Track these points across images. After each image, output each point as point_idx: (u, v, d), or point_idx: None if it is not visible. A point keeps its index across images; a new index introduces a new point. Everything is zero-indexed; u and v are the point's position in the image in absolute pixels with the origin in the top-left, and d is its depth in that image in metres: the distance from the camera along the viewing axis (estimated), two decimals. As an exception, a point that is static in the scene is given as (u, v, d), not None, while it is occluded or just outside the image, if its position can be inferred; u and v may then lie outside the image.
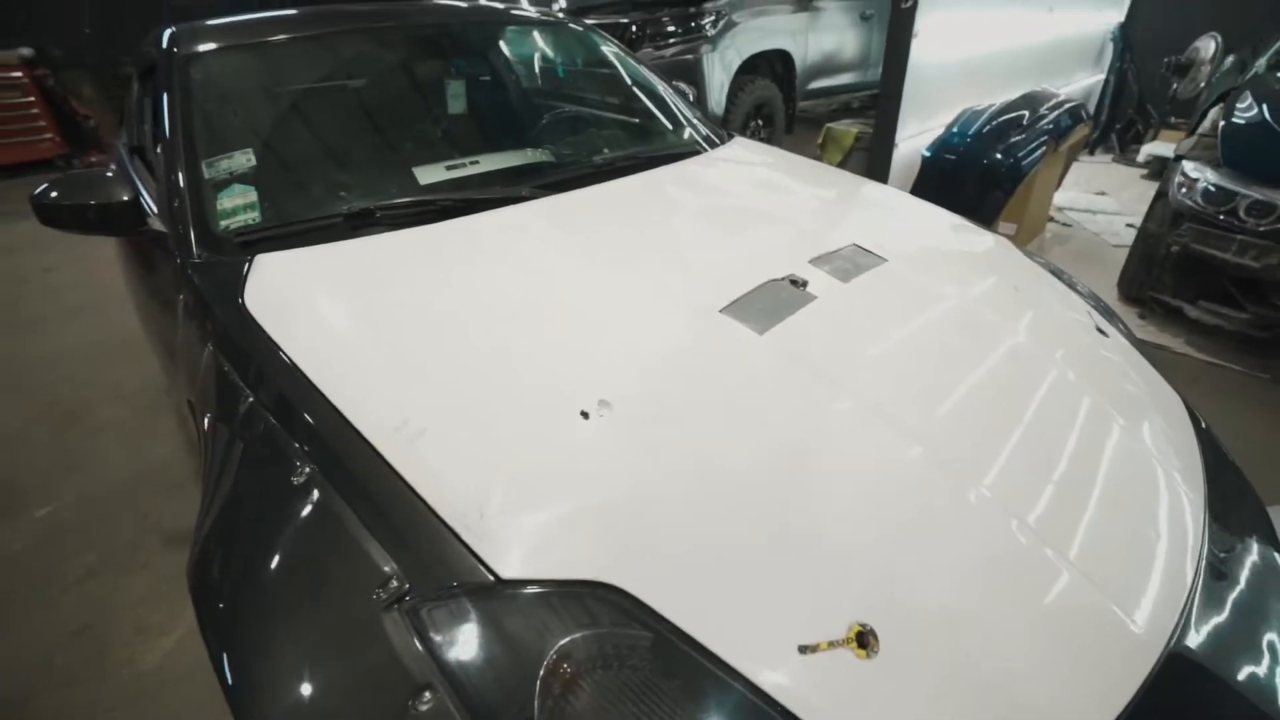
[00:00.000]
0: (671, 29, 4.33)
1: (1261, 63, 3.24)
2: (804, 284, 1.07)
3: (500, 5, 2.32)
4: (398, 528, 0.69)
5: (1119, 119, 6.16)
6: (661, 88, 2.02)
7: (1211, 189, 2.48)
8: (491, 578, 0.64)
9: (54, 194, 1.33)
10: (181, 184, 1.25)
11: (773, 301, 1.02)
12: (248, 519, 0.79)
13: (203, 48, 1.48)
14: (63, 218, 1.31)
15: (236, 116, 1.45)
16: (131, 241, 1.68)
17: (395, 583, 0.64)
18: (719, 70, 4.34)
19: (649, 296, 1.05)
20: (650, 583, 0.64)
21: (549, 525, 0.68)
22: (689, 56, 4.21)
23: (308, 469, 0.76)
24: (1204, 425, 1.14)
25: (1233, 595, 0.82)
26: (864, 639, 0.63)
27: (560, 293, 1.07)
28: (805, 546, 0.69)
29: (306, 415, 0.82)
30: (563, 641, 0.60)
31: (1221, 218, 2.42)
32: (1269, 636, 0.79)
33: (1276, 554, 0.94)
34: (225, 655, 0.65)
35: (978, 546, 0.73)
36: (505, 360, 0.90)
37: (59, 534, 1.86)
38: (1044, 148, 3.22)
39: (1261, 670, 0.75)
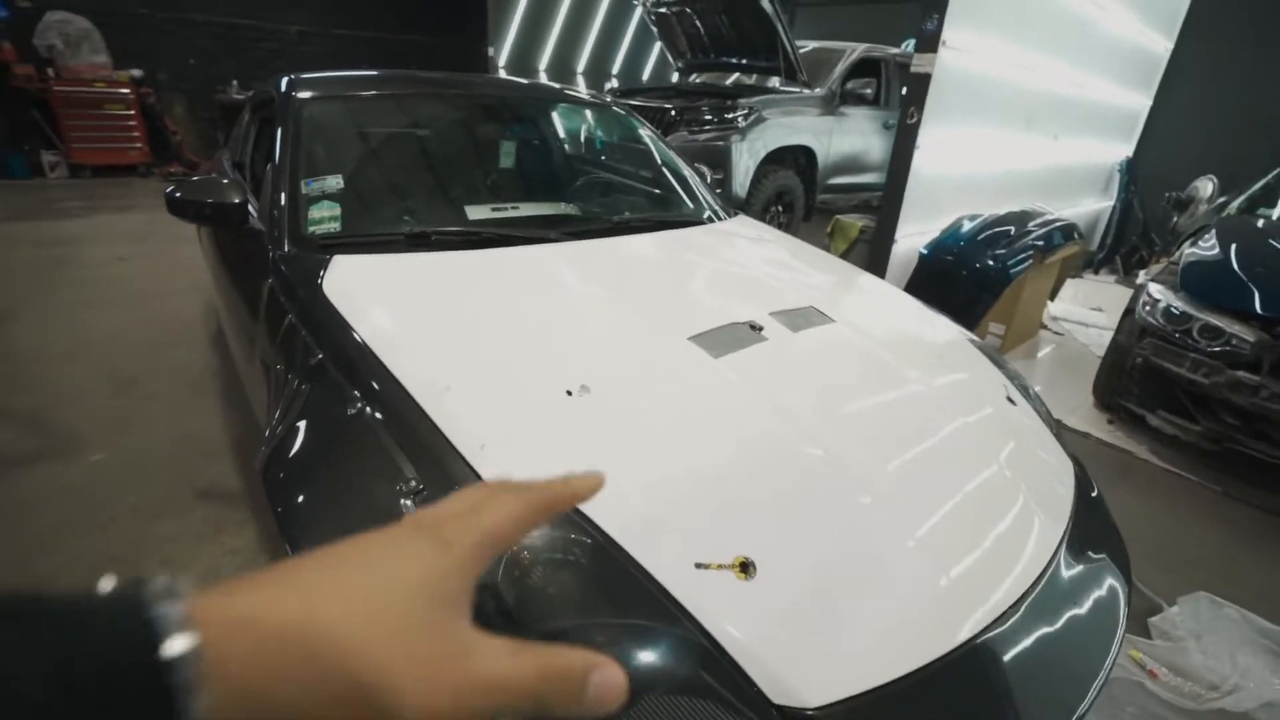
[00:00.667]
0: (708, 118, 4.82)
1: (1235, 205, 3.55)
2: (759, 328, 1.34)
3: (555, 85, 2.73)
4: (421, 450, 0.94)
5: (1123, 243, 6.51)
6: (682, 166, 2.37)
7: (1172, 310, 2.74)
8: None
9: (179, 193, 1.67)
10: (284, 196, 1.57)
11: (731, 337, 1.29)
12: (310, 434, 1.04)
13: (312, 94, 1.86)
14: (186, 210, 1.63)
15: (332, 149, 1.80)
16: (223, 236, 2.02)
17: (414, 483, 0.89)
18: (746, 158, 4.79)
19: (633, 321, 1.32)
20: (598, 505, 0.88)
21: (528, 458, 0.93)
22: (720, 143, 4.67)
23: (360, 405, 1.02)
24: (1094, 490, 1.35)
25: (1059, 615, 1.02)
26: (746, 567, 0.86)
27: (565, 310, 1.35)
28: (716, 496, 0.93)
29: (363, 370, 1.09)
30: (527, 537, 0.84)
31: (1177, 336, 2.66)
32: (1076, 659, 0.98)
33: (1120, 606, 1.12)
34: (287, 529, 0.89)
35: (843, 518, 0.96)
36: (516, 349, 1.17)
37: (108, 477, 2.12)
38: (1031, 258, 3.53)
39: (1054, 681, 0.94)
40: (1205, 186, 5.60)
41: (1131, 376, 2.93)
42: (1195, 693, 1.63)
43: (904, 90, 3.46)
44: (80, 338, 3.08)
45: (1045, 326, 4.49)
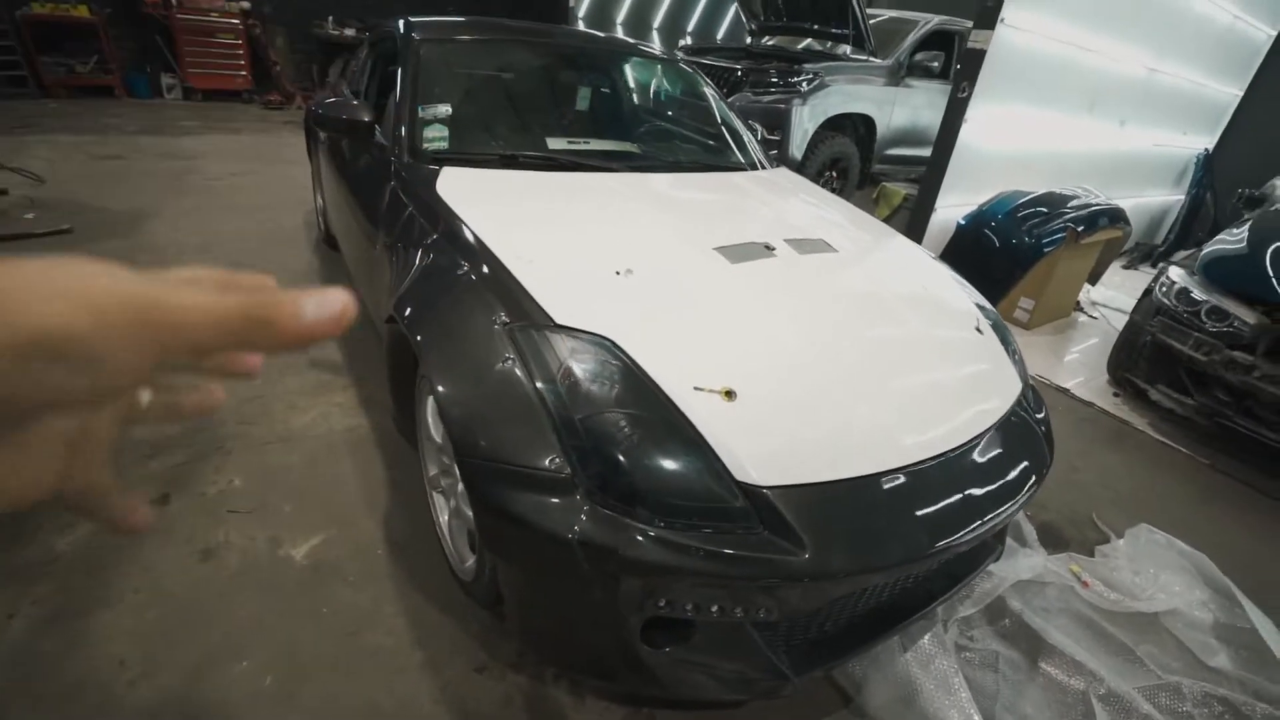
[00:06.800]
0: (773, 80, 4.99)
1: (1283, 202, 3.57)
2: (772, 249, 1.67)
3: (629, 40, 3.03)
4: (511, 299, 1.33)
5: (1189, 239, 6.35)
6: (734, 120, 2.66)
7: (1186, 292, 2.89)
8: (553, 321, 1.27)
9: (320, 110, 2.09)
10: (405, 117, 1.97)
11: (747, 252, 1.63)
12: (429, 288, 1.45)
13: (427, 35, 2.23)
14: (327, 123, 2.05)
15: (441, 82, 2.18)
16: (345, 150, 2.45)
17: (505, 317, 1.28)
18: (805, 121, 4.96)
19: (671, 231, 1.68)
20: (629, 342, 1.25)
21: (584, 309, 1.31)
22: (781, 106, 4.86)
23: (464, 269, 1.42)
24: (1041, 412, 1.64)
25: (964, 478, 1.33)
26: (730, 394, 1.22)
27: (618, 219, 1.72)
28: (713, 345, 1.30)
29: (468, 246, 1.49)
30: (578, 355, 1.22)
31: (1186, 316, 2.83)
32: (968, 511, 1.29)
33: (1022, 490, 1.41)
34: (421, 350, 1.31)
35: (812, 370, 1.31)
36: (579, 241, 1.55)
37: (242, 343, 2.63)
38: (1064, 236, 3.66)
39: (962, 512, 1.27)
40: (1280, 185, 5.45)
41: (1141, 352, 3.09)
42: (1117, 599, 1.93)
43: (956, 64, 3.60)
44: (209, 236, 3.63)
45: (1080, 308, 4.59)
